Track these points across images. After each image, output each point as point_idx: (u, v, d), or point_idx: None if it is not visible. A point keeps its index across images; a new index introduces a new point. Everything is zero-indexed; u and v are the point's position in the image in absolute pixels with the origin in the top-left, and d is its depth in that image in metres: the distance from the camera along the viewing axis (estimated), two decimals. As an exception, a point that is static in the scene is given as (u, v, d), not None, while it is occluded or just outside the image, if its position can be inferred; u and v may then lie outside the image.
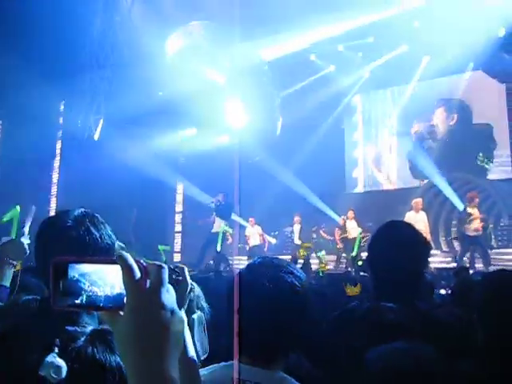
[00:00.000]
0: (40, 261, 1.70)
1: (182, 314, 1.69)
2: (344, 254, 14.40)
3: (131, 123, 15.84)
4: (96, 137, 16.96)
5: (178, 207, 19.36)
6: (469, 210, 12.31)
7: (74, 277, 0.88)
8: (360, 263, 9.31)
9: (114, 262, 0.87)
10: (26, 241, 2.88)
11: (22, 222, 3.21)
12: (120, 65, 15.86)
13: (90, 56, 16.35)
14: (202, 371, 1.74)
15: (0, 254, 2.68)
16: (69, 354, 1.50)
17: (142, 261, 0.88)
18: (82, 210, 1.78)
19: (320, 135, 17.14)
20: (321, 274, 8.19)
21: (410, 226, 2.67)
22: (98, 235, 1.71)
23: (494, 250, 13.56)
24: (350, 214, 14.31)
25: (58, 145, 17.04)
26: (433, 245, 14.36)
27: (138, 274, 0.86)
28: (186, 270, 1.74)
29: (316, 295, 2.95)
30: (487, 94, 15.74)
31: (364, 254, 11.08)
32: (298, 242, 14.93)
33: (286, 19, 14.42)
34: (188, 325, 1.75)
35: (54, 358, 1.46)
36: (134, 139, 15.50)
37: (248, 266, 1.88)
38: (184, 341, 1.62)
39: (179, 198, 19.32)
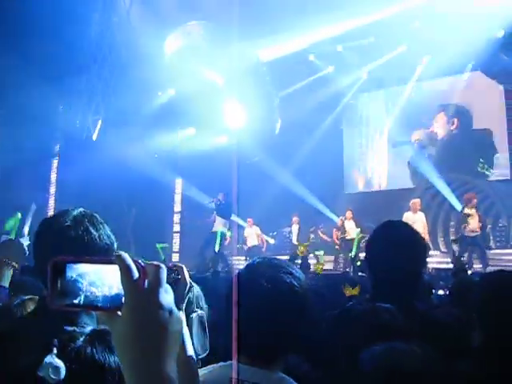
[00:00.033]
0: (39, 260, 1.70)
1: (181, 313, 1.70)
2: (341, 255, 14.39)
3: (130, 123, 15.85)
4: (94, 137, 16.97)
5: (177, 207, 19.36)
6: (467, 210, 12.35)
7: (71, 277, 0.88)
8: (359, 263, 9.32)
9: (112, 262, 0.87)
10: (25, 242, 2.87)
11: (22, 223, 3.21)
12: (118, 65, 15.88)
13: (89, 56, 16.35)
14: (201, 371, 1.74)
15: None
16: (68, 355, 1.50)
17: (140, 261, 0.88)
18: (81, 209, 1.78)
19: (318, 136, 17.15)
20: (318, 272, 8.18)
21: (407, 226, 2.68)
22: (96, 235, 1.71)
23: (492, 251, 13.59)
24: (348, 214, 14.31)
25: (57, 145, 17.02)
26: (431, 245, 14.39)
27: (136, 274, 0.85)
28: (184, 269, 1.74)
29: (315, 295, 2.95)
30: (486, 94, 15.75)
31: (363, 255, 11.07)
32: (296, 242, 14.94)
33: (284, 19, 14.41)
34: (187, 324, 1.75)
35: (53, 359, 1.45)
36: (133, 139, 15.50)
37: (247, 266, 1.88)
38: (183, 340, 1.62)
39: (178, 198, 19.32)
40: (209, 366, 1.81)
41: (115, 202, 14.81)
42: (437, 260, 13.31)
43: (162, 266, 0.89)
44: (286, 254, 13.47)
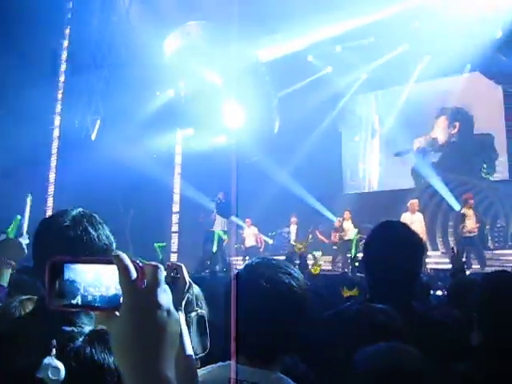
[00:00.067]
0: (38, 261, 1.70)
1: (181, 312, 1.70)
2: (340, 256, 14.39)
3: (128, 123, 15.84)
4: (93, 137, 16.96)
5: (175, 207, 19.34)
6: (464, 211, 12.41)
7: (69, 277, 0.88)
8: (357, 264, 9.32)
9: (110, 262, 0.87)
10: (24, 241, 2.86)
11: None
12: (117, 65, 15.88)
13: (88, 56, 16.35)
14: (200, 371, 1.74)
15: None
16: (67, 355, 1.50)
17: (138, 261, 0.88)
18: (80, 209, 1.78)
19: (317, 136, 17.15)
20: (316, 273, 8.17)
21: (405, 226, 2.68)
22: (95, 235, 1.71)
23: (490, 251, 13.62)
24: (347, 214, 14.30)
25: (55, 144, 17.01)
26: (429, 246, 14.41)
27: (134, 274, 0.85)
28: (183, 268, 1.74)
29: (314, 296, 2.95)
30: (485, 95, 15.77)
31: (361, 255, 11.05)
32: (294, 242, 14.93)
33: (283, 19, 14.42)
34: (186, 323, 1.75)
35: (52, 360, 1.45)
36: (132, 139, 15.50)
37: (246, 266, 1.89)
38: (182, 339, 1.62)
39: (176, 197, 19.31)
40: (207, 367, 1.81)
41: (114, 201, 14.82)
42: (435, 260, 13.33)
43: (160, 266, 0.89)
44: (285, 254, 13.48)
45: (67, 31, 15.85)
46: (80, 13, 15.33)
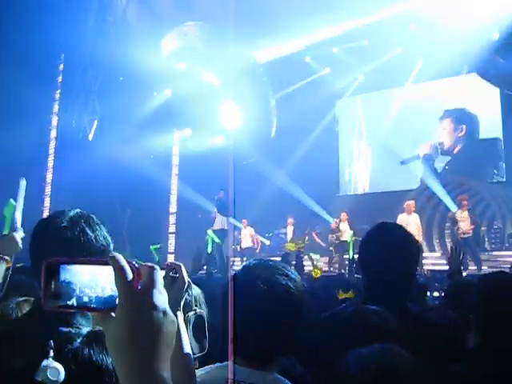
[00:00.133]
0: (35, 261, 1.70)
1: (179, 312, 1.70)
2: (336, 258, 14.40)
3: (126, 124, 15.83)
4: (90, 137, 16.95)
5: (172, 208, 19.35)
6: (459, 212, 12.49)
7: (65, 278, 0.88)
8: (355, 265, 9.32)
9: (106, 263, 0.87)
10: (19, 235, 2.84)
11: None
12: (114, 65, 15.85)
13: (85, 56, 16.33)
14: (198, 372, 1.75)
15: None
16: (65, 356, 1.49)
17: (134, 262, 0.88)
18: (78, 210, 1.78)
19: (314, 137, 17.17)
20: (317, 277, 8.18)
21: (400, 228, 2.68)
22: (93, 236, 1.70)
23: (487, 252, 13.65)
24: (343, 216, 14.29)
25: (52, 145, 17.00)
26: (426, 247, 14.43)
27: (130, 276, 0.85)
28: (183, 267, 1.74)
29: (311, 297, 2.95)
30: (481, 97, 15.80)
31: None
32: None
33: (281, 20, 14.43)
34: (184, 322, 1.75)
35: (50, 362, 1.45)
36: (129, 140, 15.49)
37: (243, 267, 1.89)
38: (180, 339, 1.62)
39: (173, 198, 19.31)
40: (205, 367, 1.82)
41: (111, 202, 14.80)
42: (432, 262, 13.34)
43: (157, 267, 0.89)
44: (282, 255, 13.47)
45: (64, 31, 15.83)
46: (76, 12, 15.30)
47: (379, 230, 2.59)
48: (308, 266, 11.37)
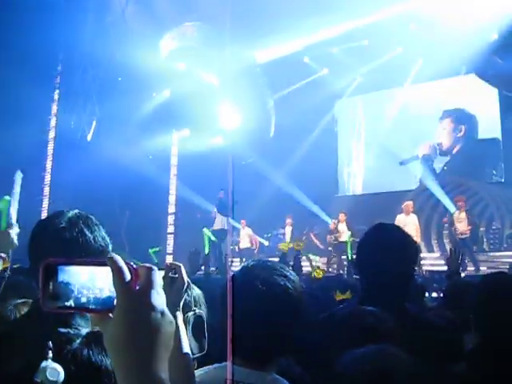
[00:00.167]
0: (34, 262, 1.70)
1: (179, 312, 1.70)
2: (334, 258, 14.40)
3: (124, 124, 15.83)
4: (89, 138, 16.94)
5: (171, 208, 19.33)
6: (457, 213, 12.54)
7: (63, 279, 0.88)
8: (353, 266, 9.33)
9: (104, 264, 0.87)
10: (14, 231, 2.81)
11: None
12: (113, 66, 15.84)
13: (84, 56, 16.32)
14: (197, 372, 1.75)
15: None
16: (64, 357, 1.49)
17: (132, 263, 0.88)
18: (76, 211, 1.78)
19: (313, 137, 17.18)
20: (319, 277, 8.19)
21: (398, 229, 2.68)
22: (91, 237, 1.70)
23: (485, 253, 13.67)
24: (342, 216, 14.28)
25: (51, 145, 16.98)
26: (425, 248, 14.44)
27: (128, 276, 0.86)
28: (182, 268, 1.74)
29: (309, 298, 2.95)
30: (480, 97, 15.82)
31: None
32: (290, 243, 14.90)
33: (279, 21, 14.42)
34: (184, 322, 1.75)
35: (49, 363, 1.45)
36: (127, 140, 15.49)
37: (242, 268, 1.89)
38: (179, 339, 1.62)
39: (172, 199, 19.30)
40: (204, 367, 1.82)
41: (109, 202, 14.78)
42: (430, 262, 13.34)
43: (155, 268, 0.89)
44: (279, 255, 13.47)
45: (63, 31, 15.81)
46: (75, 12, 15.29)
47: (376, 231, 2.59)
48: (306, 267, 11.38)
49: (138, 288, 0.86)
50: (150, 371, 0.83)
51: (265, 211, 15.69)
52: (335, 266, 14.03)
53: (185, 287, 1.76)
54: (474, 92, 15.80)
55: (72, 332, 1.56)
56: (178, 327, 1.68)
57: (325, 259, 14.51)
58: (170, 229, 19.13)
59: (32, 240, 1.73)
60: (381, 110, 17.62)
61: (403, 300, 2.40)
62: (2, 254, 2.66)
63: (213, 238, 13.74)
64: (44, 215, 14.40)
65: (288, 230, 15.66)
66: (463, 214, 12.47)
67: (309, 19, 14.28)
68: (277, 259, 8.19)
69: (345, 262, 13.33)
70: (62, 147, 16.46)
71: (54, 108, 16.97)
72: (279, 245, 13.19)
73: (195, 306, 1.99)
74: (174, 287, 1.74)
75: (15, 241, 2.75)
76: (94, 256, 1.65)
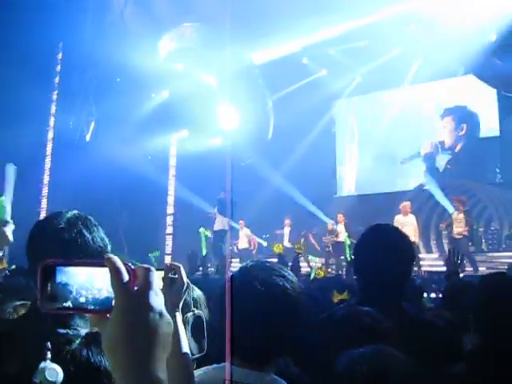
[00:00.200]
0: (32, 262, 1.70)
1: (178, 312, 1.70)
2: (333, 259, 14.41)
3: (123, 125, 15.82)
4: (87, 138, 16.93)
5: (170, 209, 19.33)
6: (455, 214, 12.59)
7: (62, 280, 0.88)
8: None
9: (102, 265, 0.87)
10: (9, 228, 2.80)
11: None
12: (112, 66, 15.83)
13: (82, 57, 16.32)
14: (196, 372, 1.76)
15: None
16: (63, 358, 1.49)
17: (130, 264, 0.88)
18: (75, 212, 1.78)
19: (312, 138, 17.19)
20: (312, 276, 8.19)
21: (395, 229, 2.70)
22: (90, 238, 1.70)
23: (484, 253, 13.69)
24: (340, 217, 14.29)
25: (50, 146, 16.98)
26: (424, 248, 14.45)
27: (126, 277, 0.86)
28: (182, 269, 1.74)
29: (308, 298, 2.95)
30: (479, 98, 15.84)
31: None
32: (287, 244, 14.88)
33: (278, 22, 14.42)
34: (183, 323, 1.76)
35: (48, 363, 1.45)
36: (126, 141, 15.48)
37: (240, 268, 1.89)
38: (178, 339, 1.62)
39: (170, 199, 19.29)
40: (203, 368, 1.82)
41: (108, 203, 14.77)
42: (429, 263, 13.36)
43: (152, 268, 0.89)
44: (278, 256, 13.45)
45: (61, 31, 15.81)
46: (74, 13, 15.29)
47: (374, 231, 2.60)
48: (305, 268, 11.38)
49: (136, 289, 0.86)
50: (148, 371, 0.83)
51: (263, 212, 15.69)
52: (333, 266, 14.04)
53: (184, 288, 1.76)
54: (473, 93, 15.82)
55: (71, 333, 1.56)
56: (177, 327, 1.68)
57: (323, 260, 14.51)
58: (169, 229, 19.12)
59: (30, 241, 1.73)
60: (379, 110, 17.63)
61: (400, 300, 2.41)
62: None
63: (208, 234, 13.74)
64: (42, 216, 14.40)
65: (286, 230, 15.66)
66: (461, 215, 12.49)
67: (307, 20, 14.28)
68: (275, 260, 8.19)
69: (343, 263, 13.34)
70: (60, 147, 16.46)
71: (53, 108, 16.97)
72: (272, 245, 13.20)
73: (195, 306, 2.00)
74: (173, 288, 1.75)
75: (10, 237, 2.74)
76: (93, 257, 1.65)
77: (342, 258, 13.59)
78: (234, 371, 1.67)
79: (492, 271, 7.64)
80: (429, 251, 15.09)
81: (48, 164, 16.88)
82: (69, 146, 16.06)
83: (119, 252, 0.95)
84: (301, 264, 10.97)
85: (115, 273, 0.85)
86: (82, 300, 0.87)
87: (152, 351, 0.84)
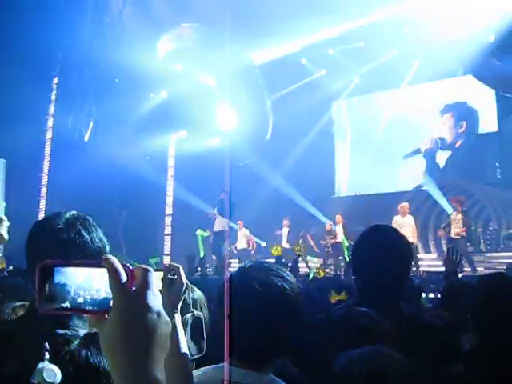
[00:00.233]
0: (31, 263, 1.70)
1: (177, 313, 1.70)
2: (331, 259, 14.40)
3: (121, 125, 15.82)
4: (86, 138, 16.93)
5: (168, 209, 19.32)
6: (454, 214, 12.59)
7: (60, 280, 0.88)
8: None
9: (100, 266, 0.87)
10: (4, 226, 2.79)
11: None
12: (110, 67, 15.83)
13: (81, 57, 16.31)
14: (195, 372, 1.76)
15: None
16: (62, 358, 1.49)
17: (128, 264, 0.88)
18: (74, 212, 1.77)
19: (310, 139, 17.19)
20: (311, 277, 8.20)
21: (393, 230, 2.70)
22: (88, 238, 1.70)
23: (482, 254, 13.71)
24: (338, 218, 14.28)
25: (48, 146, 16.97)
26: (422, 249, 14.46)
27: (124, 277, 0.86)
28: (181, 269, 1.74)
29: (306, 299, 2.95)
30: (478, 98, 15.86)
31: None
32: (285, 245, 14.88)
33: (277, 22, 14.43)
34: (182, 324, 1.76)
35: (46, 364, 1.45)
36: (125, 141, 15.48)
37: (239, 269, 1.89)
38: (177, 340, 1.62)
39: (169, 200, 19.29)
40: (202, 368, 1.82)
41: (107, 203, 14.78)
42: (428, 263, 13.36)
43: (151, 269, 0.89)
44: (276, 257, 13.45)
45: (60, 32, 15.80)
46: (73, 13, 15.28)
47: (372, 232, 2.61)
48: (303, 268, 11.38)
49: (134, 289, 0.86)
50: (146, 372, 0.83)
51: (262, 212, 15.70)
52: (332, 267, 14.04)
53: (183, 288, 1.76)
54: (472, 93, 15.84)
55: (70, 333, 1.56)
56: (175, 328, 1.69)
57: (321, 260, 14.51)
58: (167, 230, 19.12)
59: (29, 241, 1.73)
60: (378, 111, 17.64)
61: (399, 300, 2.41)
62: None
63: (206, 235, 13.74)
64: (41, 216, 14.40)
65: (285, 231, 15.66)
66: (459, 216, 12.49)
67: (307, 20, 14.29)
68: (274, 260, 8.20)
69: (342, 264, 13.34)
70: (59, 148, 16.45)
71: (52, 109, 16.96)
72: (270, 248, 13.21)
73: (195, 307, 2.00)
74: (172, 288, 1.75)
75: (5, 235, 2.73)
76: (92, 257, 1.64)
77: (341, 258, 13.59)
78: (233, 371, 1.67)
79: (490, 271, 7.64)
80: (427, 251, 15.09)
81: (47, 164, 16.87)
82: (67, 146, 16.05)
83: (118, 252, 0.95)
84: (299, 264, 10.99)
85: (113, 273, 0.85)
86: (81, 300, 0.87)
87: (150, 351, 0.84)
